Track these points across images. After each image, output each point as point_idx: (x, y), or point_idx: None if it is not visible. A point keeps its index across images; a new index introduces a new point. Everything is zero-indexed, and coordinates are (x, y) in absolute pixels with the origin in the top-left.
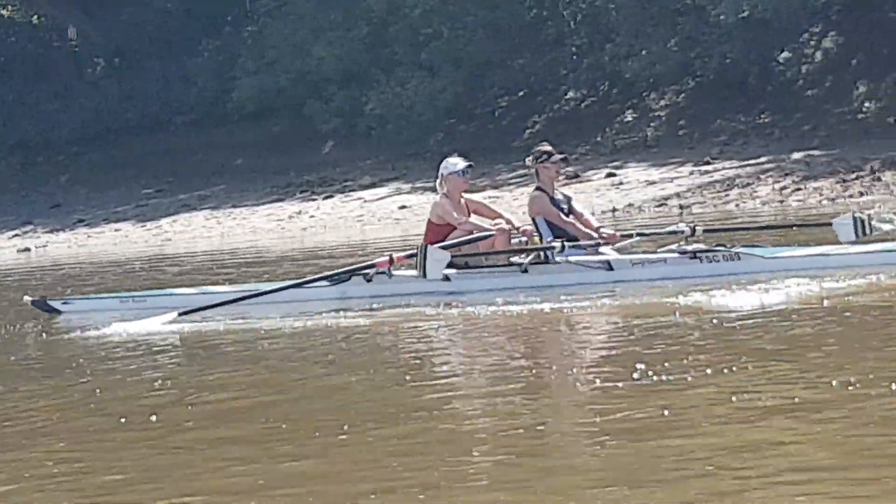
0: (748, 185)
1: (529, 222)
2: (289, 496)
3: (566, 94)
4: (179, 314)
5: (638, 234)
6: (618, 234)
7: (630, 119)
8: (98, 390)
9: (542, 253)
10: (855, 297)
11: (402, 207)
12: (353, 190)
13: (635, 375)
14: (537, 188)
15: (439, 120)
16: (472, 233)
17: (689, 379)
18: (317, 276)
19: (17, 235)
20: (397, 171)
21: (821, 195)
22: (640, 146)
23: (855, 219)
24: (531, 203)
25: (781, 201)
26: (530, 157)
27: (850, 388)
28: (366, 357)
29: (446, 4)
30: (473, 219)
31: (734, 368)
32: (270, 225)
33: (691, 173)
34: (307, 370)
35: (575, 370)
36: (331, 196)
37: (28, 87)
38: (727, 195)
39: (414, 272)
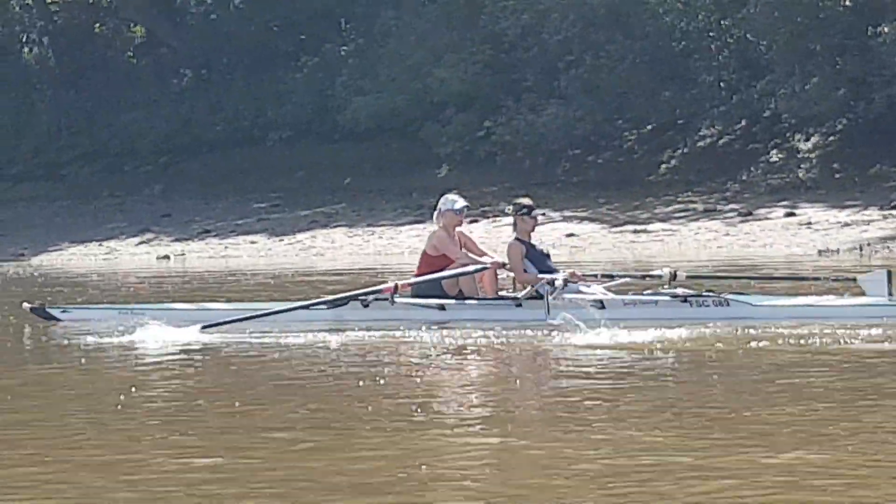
0: None
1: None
2: None
3: (702, 130)
4: (203, 328)
5: (606, 275)
6: (580, 273)
7: (776, 159)
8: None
9: (536, 290)
10: (840, 347)
11: (570, 235)
12: (496, 215)
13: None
14: (516, 238)
15: (566, 149)
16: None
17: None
18: (318, 301)
19: (143, 242)
20: (535, 200)
21: None
22: (798, 186)
23: (890, 274)
24: (508, 250)
25: None
26: (511, 208)
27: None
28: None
29: (589, 32)
30: (470, 254)
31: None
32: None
33: (885, 217)
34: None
35: (550, 401)
36: (475, 220)
37: (110, 96)
38: None
39: (414, 301)
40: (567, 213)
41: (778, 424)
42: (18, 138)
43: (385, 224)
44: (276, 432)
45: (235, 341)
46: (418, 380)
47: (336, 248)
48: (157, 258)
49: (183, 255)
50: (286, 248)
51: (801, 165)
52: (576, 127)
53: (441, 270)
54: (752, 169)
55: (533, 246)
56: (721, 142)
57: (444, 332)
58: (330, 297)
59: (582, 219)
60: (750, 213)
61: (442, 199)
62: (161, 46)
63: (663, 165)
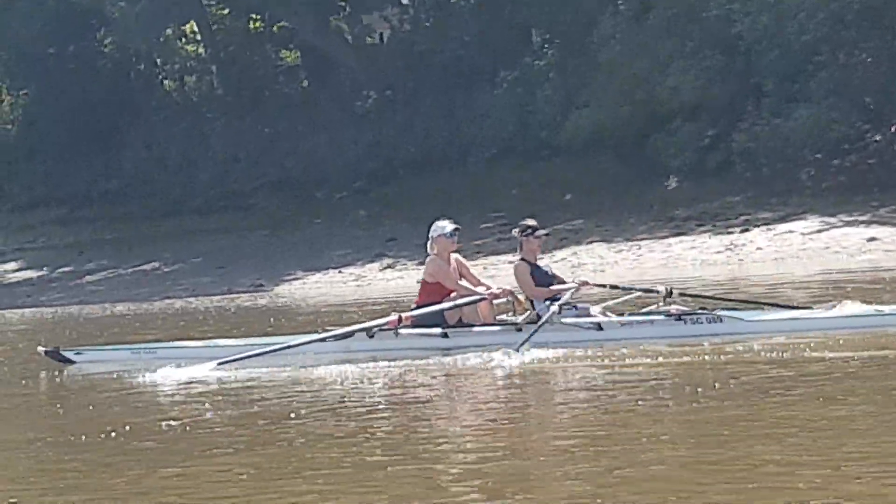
0: None
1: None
2: None
3: None
4: (219, 364)
5: (614, 286)
6: (590, 283)
7: None
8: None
9: (537, 313)
10: (829, 356)
11: (872, 240)
12: (757, 225)
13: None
14: (521, 259)
15: (808, 154)
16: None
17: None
18: (327, 334)
19: (387, 267)
20: (792, 207)
21: None
22: None
23: None
24: (515, 270)
25: None
26: (517, 230)
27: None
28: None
29: (839, 30)
30: (462, 282)
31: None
32: (716, 256)
33: None
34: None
35: (552, 423)
36: (747, 230)
37: (287, 123)
38: None
39: (418, 331)
40: (844, 218)
41: (776, 439)
42: (193, 171)
43: (645, 237)
44: (286, 478)
45: (249, 377)
46: (428, 410)
47: (609, 263)
48: (417, 282)
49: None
50: (552, 266)
51: None
52: (829, 130)
53: (438, 298)
54: None
55: (538, 266)
56: None
57: (448, 358)
58: (339, 331)
59: (862, 222)
60: None
61: (433, 226)
62: (338, 69)
63: None
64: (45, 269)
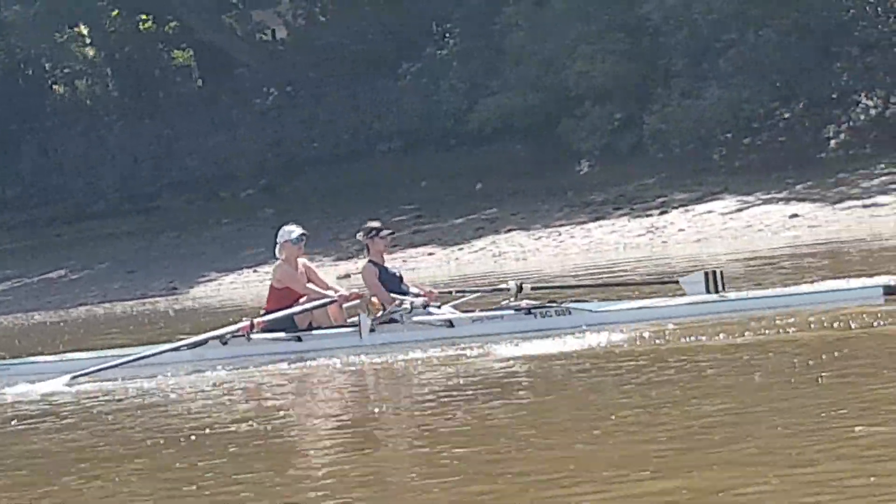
0: None
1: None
2: None
3: (865, 100)
4: (72, 378)
5: (459, 291)
6: (436, 292)
7: None
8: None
9: (389, 314)
10: (676, 344)
11: (794, 216)
12: (674, 206)
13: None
14: (369, 261)
15: (719, 134)
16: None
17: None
18: (181, 343)
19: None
20: (708, 187)
21: None
22: None
23: (707, 275)
24: (363, 273)
25: None
26: (361, 233)
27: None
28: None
29: (747, 8)
30: (311, 286)
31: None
32: (638, 240)
33: None
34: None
35: (407, 419)
36: (666, 212)
37: (186, 123)
38: None
39: (270, 336)
40: (762, 196)
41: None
42: (93, 174)
43: (563, 223)
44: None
45: (101, 390)
46: (281, 414)
47: (530, 251)
48: (338, 278)
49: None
50: (472, 257)
51: None
52: (740, 109)
53: (288, 303)
54: None
55: (386, 269)
56: (888, 111)
57: (302, 363)
58: (192, 339)
59: (780, 200)
60: None
61: (280, 232)
62: (235, 67)
63: (832, 141)
64: None
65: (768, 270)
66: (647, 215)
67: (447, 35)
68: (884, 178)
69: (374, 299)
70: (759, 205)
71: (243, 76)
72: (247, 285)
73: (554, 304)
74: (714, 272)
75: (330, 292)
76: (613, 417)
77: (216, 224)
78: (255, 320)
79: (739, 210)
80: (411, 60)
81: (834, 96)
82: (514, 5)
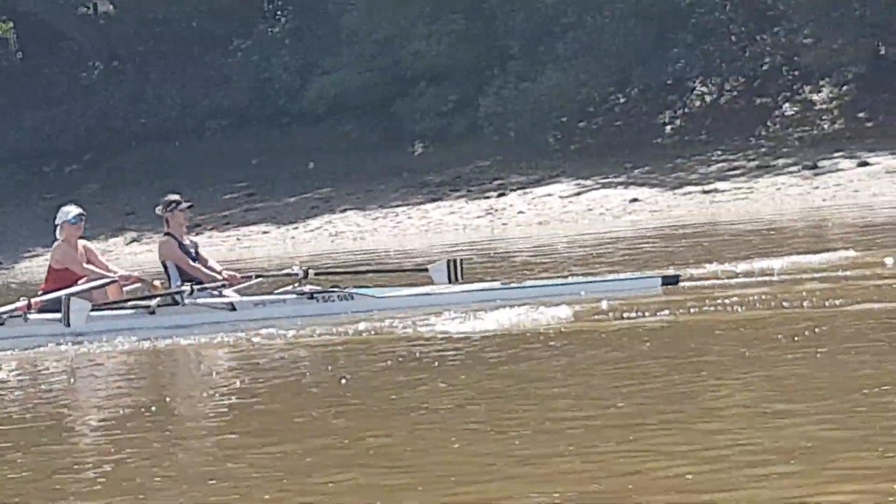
0: None
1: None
2: None
3: (700, 86)
4: None
5: (257, 276)
6: (239, 275)
7: (792, 112)
8: None
9: (175, 292)
10: (454, 330)
11: (634, 200)
12: (512, 189)
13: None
14: (167, 234)
15: (553, 118)
16: (92, 280)
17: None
18: None
19: (134, 241)
20: (544, 170)
21: None
22: (837, 138)
23: (448, 263)
24: (161, 248)
25: None
26: (160, 207)
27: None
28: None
29: None
30: (90, 267)
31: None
32: (478, 221)
33: None
34: None
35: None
36: (504, 194)
37: (6, 96)
38: None
39: (47, 316)
40: (600, 180)
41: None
42: None
43: (399, 204)
44: None
45: None
46: (55, 397)
47: (367, 231)
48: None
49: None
50: (309, 236)
51: (823, 118)
52: (579, 93)
53: (67, 284)
54: (769, 124)
55: (182, 244)
56: (722, 98)
57: (79, 346)
58: None
59: (619, 184)
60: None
61: (59, 212)
62: (60, 40)
63: (668, 126)
64: None
65: (592, 256)
66: (486, 197)
67: (279, 13)
68: (721, 165)
69: (157, 282)
70: (597, 189)
71: (68, 48)
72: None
73: (337, 289)
74: (455, 261)
75: (110, 274)
76: (381, 407)
77: (39, 200)
78: (33, 300)
79: (578, 194)
80: (241, 37)
81: (669, 82)
82: None
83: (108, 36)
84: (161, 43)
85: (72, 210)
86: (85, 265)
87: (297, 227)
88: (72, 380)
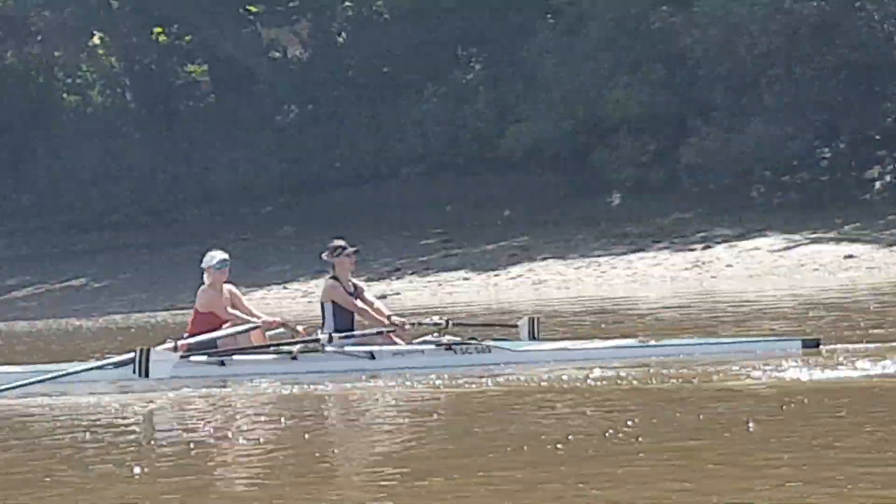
0: None
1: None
2: None
3: None
4: None
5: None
6: (407, 321)
7: None
8: None
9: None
10: (596, 385)
11: (849, 257)
12: (717, 242)
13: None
14: (332, 277)
15: (755, 171)
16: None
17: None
18: (106, 361)
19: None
20: (749, 224)
21: None
22: None
23: (529, 320)
24: (326, 290)
25: None
26: (326, 252)
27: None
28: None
29: (795, 44)
30: (235, 312)
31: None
32: (685, 273)
33: None
34: None
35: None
36: (710, 246)
37: (202, 137)
38: None
39: (193, 359)
40: (809, 235)
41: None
42: (109, 184)
43: (601, 254)
44: None
45: (28, 405)
46: (203, 440)
47: (571, 280)
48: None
49: (398, 294)
50: (511, 283)
51: None
52: (783, 146)
53: (211, 327)
54: None
55: (344, 287)
56: None
57: (225, 388)
58: (117, 358)
59: (830, 240)
60: None
61: (206, 257)
62: (254, 83)
63: (877, 182)
64: None
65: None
66: (690, 249)
67: (472, 59)
68: None
69: (300, 328)
70: (806, 244)
71: (260, 92)
72: (279, 301)
73: (474, 342)
74: (533, 318)
75: (253, 318)
76: (525, 449)
77: (237, 239)
78: (179, 343)
79: (787, 248)
80: (436, 83)
81: (878, 137)
82: (545, 32)
83: (300, 80)
84: (355, 89)
85: (217, 255)
86: (230, 310)
87: (498, 275)
88: (217, 420)
